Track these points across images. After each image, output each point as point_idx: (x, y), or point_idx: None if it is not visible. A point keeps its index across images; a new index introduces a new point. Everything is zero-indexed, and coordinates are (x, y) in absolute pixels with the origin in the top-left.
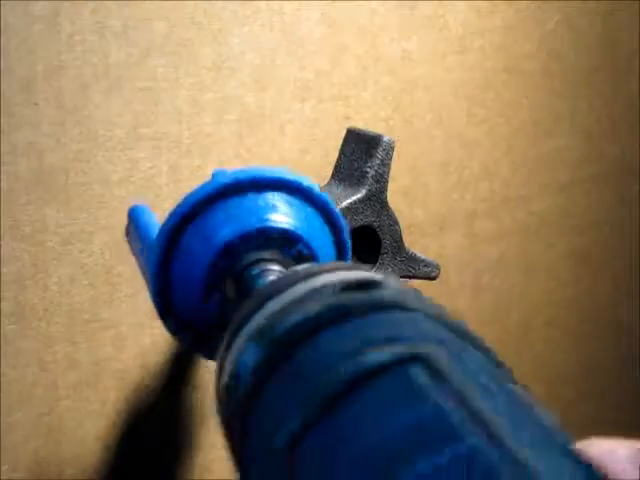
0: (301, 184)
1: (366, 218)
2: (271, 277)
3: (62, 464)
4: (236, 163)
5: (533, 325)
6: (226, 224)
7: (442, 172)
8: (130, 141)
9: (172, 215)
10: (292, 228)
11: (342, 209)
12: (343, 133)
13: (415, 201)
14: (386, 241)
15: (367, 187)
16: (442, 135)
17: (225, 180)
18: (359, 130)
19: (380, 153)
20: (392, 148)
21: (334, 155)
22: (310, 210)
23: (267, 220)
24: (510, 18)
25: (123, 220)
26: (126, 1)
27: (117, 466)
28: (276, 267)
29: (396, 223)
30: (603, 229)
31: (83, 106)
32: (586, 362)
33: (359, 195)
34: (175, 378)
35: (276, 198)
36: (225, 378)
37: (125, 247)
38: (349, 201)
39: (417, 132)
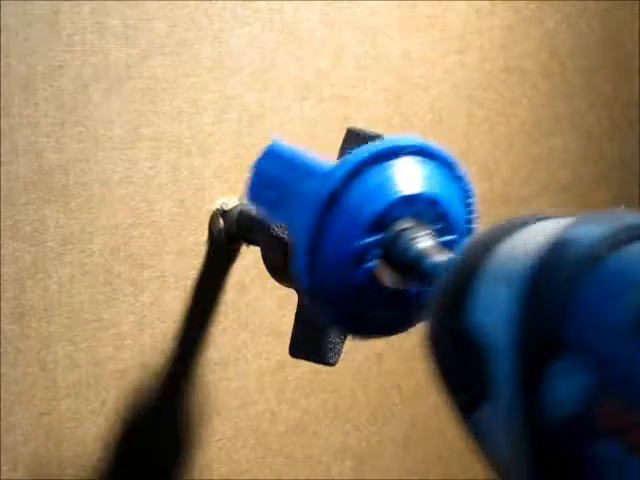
0: (441, 153)
1: None
2: (424, 242)
3: (62, 464)
4: (236, 163)
5: None
6: (382, 189)
7: None
8: (130, 141)
9: (356, 155)
10: (435, 193)
11: None
12: (343, 133)
13: None
14: None
15: None
16: (442, 134)
17: (394, 143)
18: (359, 130)
19: None
20: None
21: (334, 155)
22: (446, 175)
23: (414, 186)
24: (510, 18)
25: (123, 220)
26: (126, 1)
27: (117, 466)
28: (424, 231)
29: None
30: None
31: (83, 106)
32: None
33: None
34: (175, 378)
35: (419, 164)
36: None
37: (125, 247)
38: None
39: (417, 132)
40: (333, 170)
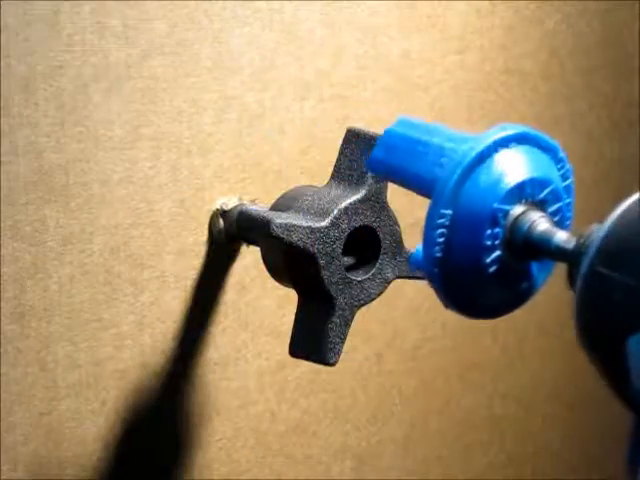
0: (544, 139)
1: (366, 218)
2: (542, 226)
3: (62, 464)
4: (236, 163)
5: (529, 326)
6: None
7: None
8: (130, 141)
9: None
10: (548, 178)
11: (341, 209)
12: (343, 133)
13: (415, 201)
14: (386, 241)
15: (367, 187)
16: None
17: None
18: (359, 130)
19: None
20: None
21: (334, 155)
22: (553, 162)
23: (530, 171)
24: (510, 18)
25: (123, 220)
26: (126, 1)
27: (117, 466)
28: (538, 213)
29: (396, 223)
30: None
31: (83, 106)
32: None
33: (359, 195)
34: (175, 378)
35: (527, 151)
36: None
37: (125, 247)
38: (349, 201)
39: None
40: (479, 138)
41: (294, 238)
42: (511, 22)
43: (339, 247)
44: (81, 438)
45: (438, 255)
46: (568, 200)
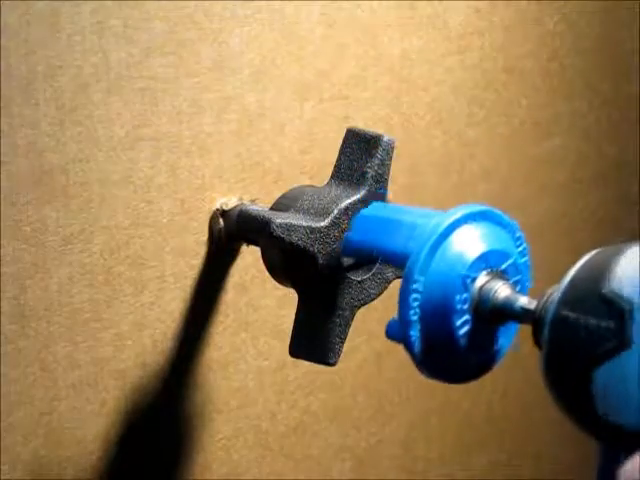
0: (504, 218)
1: None
2: (505, 292)
3: (62, 464)
4: (236, 163)
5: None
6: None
7: (442, 172)
8: (130, 141)
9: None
10: (508, 251)
11: (341, 209)
12: (343, 133)
13: (415, 201)
14: None
15: (367, 187)
16: (442, 135)
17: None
18: (359, 130)
19: (380, 153)
20: (392, 148)
21: (334, 155)
22: (512, 240)
23: (492, 244)
24: (510, 18)
25: (123, 220)
26: (126, 1)
27: (117, 466)
28: (501, 282)
29: None
30: (603, 229)
31: (83, 106)
32: None
33: (359, 195)
34: (175, 378)
35: (489, 227)
36: None
37: (125, 247)
38: (349, 201)
39: (417, 132)
40: (447, 213)
41: (294, 238)
42: (511, 22)
43: (339, 247)
44: (81, 438)
45: (413, 318)
46: (527, 275)
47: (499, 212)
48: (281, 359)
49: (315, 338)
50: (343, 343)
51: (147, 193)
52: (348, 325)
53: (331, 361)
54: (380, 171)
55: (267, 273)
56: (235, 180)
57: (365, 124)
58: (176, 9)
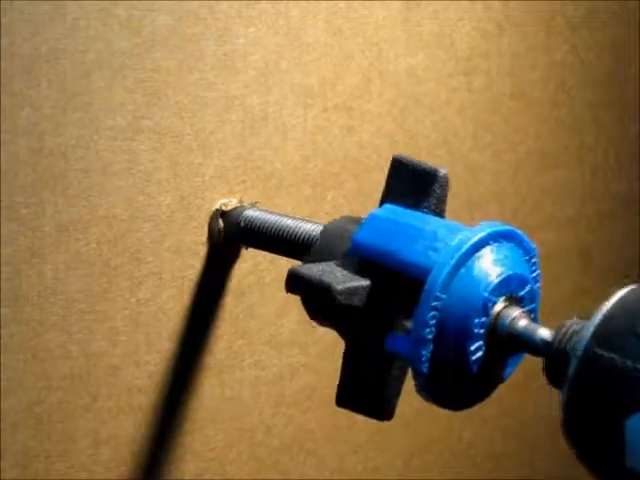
0: (527, 241)
1: None
2: (523, 321)
3: (50, 457)
4: (237, 164)
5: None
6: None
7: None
8: (131, 132)
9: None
10: (527, 277)
11: None
12: (346, 144)
13: None
14: None
15: None
16: (446, 156)
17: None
18: (409, 160)
19: (437, 190)
20: (447, 182)
21: (337, 166)
22: (527, 264)
23: (514, 267)
24: (517, 44)
25: (122, 211)
26: None
27: (105, 466)
28: (518, 309)
29: None
30: (610, 269)
31: (85, 92)
32: None
33: None
34: (169, 380)
35: (511, 248)
36: None
37: (123, 239)
38: None
39: (422, 151)
40: (474, 230)
41: (356, 301)
42: (518, 48)
43: None
44: (71, 433)
45: (428, 337)
46: (538, 303)
47: (523, 234)
48: (278, 370)
49: (368, 391)
50: (398, 395)
51: (147, 187)
52: (405, 376)
53: (388, 418)
54: (438, 210)
55: (266, 280)
56: (236, 181)
57: (370, 138)
58: (182, 3)
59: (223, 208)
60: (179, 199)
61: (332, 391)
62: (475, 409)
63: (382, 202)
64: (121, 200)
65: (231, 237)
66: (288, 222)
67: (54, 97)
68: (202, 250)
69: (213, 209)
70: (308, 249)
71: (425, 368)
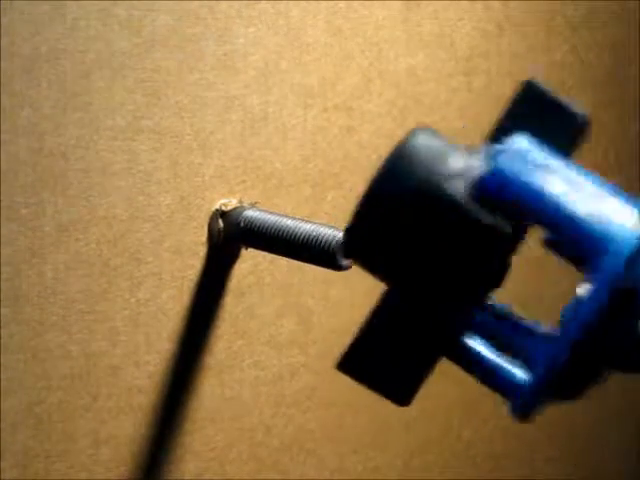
0: None
1: None
2: None
3: (50, 457)
4: (237, 165)
5: None
6: None
7: None
8: (131, 132)
9: None
10: None
11: None
12: (346, 144)
13: None
14: None
15: None
16: None
17: None
18: (543, 89)
19: (575, 134)
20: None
21: (337, 166)
22: None
23: None
24: (517, 44)
25: (122, 212)
26: None
27: (105, 466)
28: None
29: None
30: None
31: (85, 92)
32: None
33: None
34: (168, 379)
35: None
36: None
37: (122, 239)
38: None
39: None
40: None
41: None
42: (518, 48)
43: None
44: (71, 433)
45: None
46: None
47: None
48: (278, 371)
49: (386, 362)
50: (422, 382)
51: (147, 187)
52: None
53: (402, 399)
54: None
55: (266, 280)
56: (236, 182)
57: (370, 138)
58: (182, 4)
59: (223, 208)
60: (179, 199)
61: (332, 391)
62: (475, 409)
63: (497, 129)
64: (121, 200)
65: (231, 237)
66: (288, 222)
67: (54, 97)
68: (202, 250)
69: (213, 209)
70: (308, 250)
71: (553, 374)
